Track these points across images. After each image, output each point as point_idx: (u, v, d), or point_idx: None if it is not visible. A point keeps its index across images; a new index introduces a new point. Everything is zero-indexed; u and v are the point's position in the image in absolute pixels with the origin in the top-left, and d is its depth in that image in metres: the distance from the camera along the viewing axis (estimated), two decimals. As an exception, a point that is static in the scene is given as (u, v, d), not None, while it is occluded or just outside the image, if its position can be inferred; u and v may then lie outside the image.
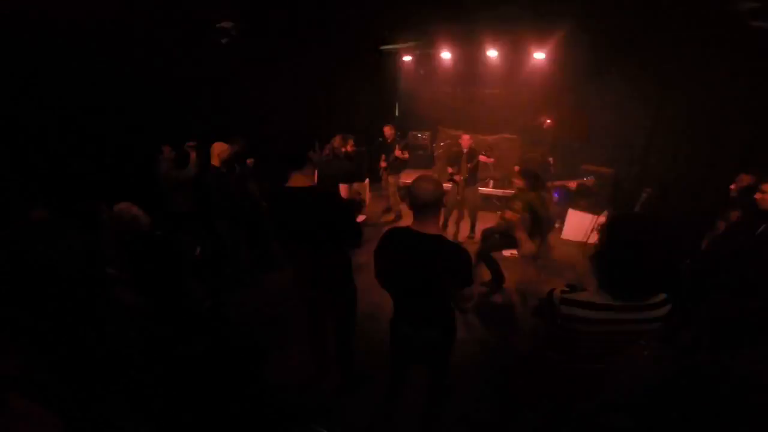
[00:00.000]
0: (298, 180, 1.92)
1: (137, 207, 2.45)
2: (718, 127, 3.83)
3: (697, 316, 2.63)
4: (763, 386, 1.60)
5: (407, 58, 6.93)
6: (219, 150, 3.28)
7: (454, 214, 4.99)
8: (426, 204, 1.61)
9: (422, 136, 6.81)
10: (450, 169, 4.86)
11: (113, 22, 3.37)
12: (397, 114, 7.31)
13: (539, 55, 5.81)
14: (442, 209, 1.89)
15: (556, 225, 5.14)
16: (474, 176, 4.76)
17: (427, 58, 6.89)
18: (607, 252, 1.38)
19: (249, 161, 4.13)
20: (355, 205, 3.92)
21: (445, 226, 5.08)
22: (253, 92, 5.03)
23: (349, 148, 4.17)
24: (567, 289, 1.46)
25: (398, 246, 1.69)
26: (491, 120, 6.14)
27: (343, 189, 3.85)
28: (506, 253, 4.78)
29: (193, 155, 3.54)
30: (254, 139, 4.44)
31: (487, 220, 5.52)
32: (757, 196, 2.40)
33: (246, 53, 4.71)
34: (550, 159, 4.37)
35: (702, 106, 3.93)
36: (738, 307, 2.43)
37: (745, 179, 2.92)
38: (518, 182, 4.75)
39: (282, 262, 3.65)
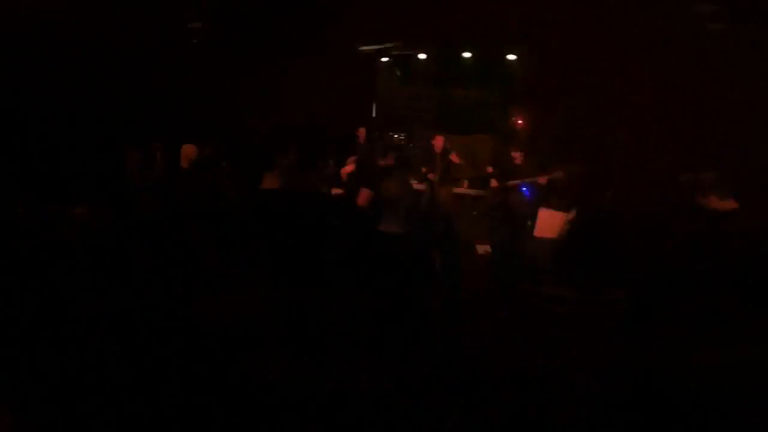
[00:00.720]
0: (271, 181, 1.93)
1: (93, 210, 2.37)
2: (677, 124, 4.01)
3: (655, 310, 2.74)
4: (709, 378, 1.68)
5: (385, 59, 6.97)
6: (188, 152, 3.21)
7: (430, 214, 5.04)
8: (391, 202, 1.64)
9: (399, 136, 6.86)
10: (424, 170, 4.92)
11: (81, 23, 3.28)
12: (374, 115, 7.34)
13: (511, 57, 5.97)
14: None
15: (528, 223, 5.26)
16: (447, 176, 4.83)
17: (404, 60, 6.95)
18: (568, 245, 1.45)
19: (226, 165, 4.05)
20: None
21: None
22: (226, 94, 4.96)
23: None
24: (533, 282, 1.52)
25: (362, 244, 1.71)
26: (465, 120, 6.25)
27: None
28: (480, 250, 4.88)
29: (159, 157, 3.46)
30: (227, 142, 4.37)
31: (460, 221, 5.60)
32: (699, 197, 2.53)
33: (218, 54, 4.64)
34: (516, 154, 4.48)
35: (660, 104, 4.10)
36: (690, 301, 2.55)
37: (685, 177, 3.06)
38: (494, 183, 4.87)
39: (257, 262, 3.61)
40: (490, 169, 4.83)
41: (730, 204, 2.39)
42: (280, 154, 2.00)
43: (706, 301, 2.48)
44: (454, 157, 4.68)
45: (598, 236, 1.38)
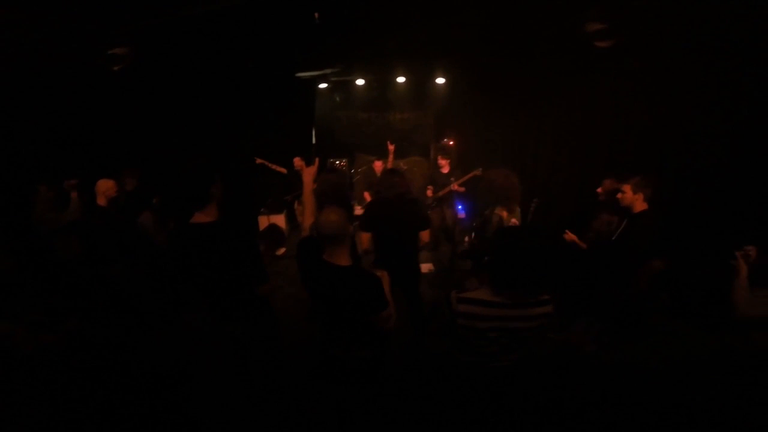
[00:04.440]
0: (200, 216, 1.89)
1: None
2: (583, 138, 4.49)
3: (581, 310, 2.99)
4: (637, 375, 1.84)
5: (323, 86, 7.06)
6: (104, 188, 2.99)
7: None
8: (332, 236, 1.66)
9: (340, 162, 6.93)
10: (367, 195, 5.02)
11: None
12: (314, 141, 7.34)
13: (440, 80, 6.34)
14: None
15: (466, 239, 5.53)
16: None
17: (342, 85, 7.06)
18: (493, 256, 1.60)
19: (155, 200, 3.81)
20: (267, 236, 3.81)
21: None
22: (152, 124, 4.70)
23: None
24: (462, 290, 1.64)
25: (313, 276, 1.73)
26: (402, 144, 6.51)
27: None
28: (424, 269, 5.01)
29: (74, 195, 3.18)
30: (153, 175, 4.13)
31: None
32: (618, 195, 2.83)
33: (142, 81, 4.41)
34: (443, 162, 4.73)
35: (570, 121, 4.58)
36: (612, 299, 2.83)
37: (608, 183, 3.43)
38: (429, 192, 5.05)
39: (192, 299, 3.40)
40: (429, 192, 5.04)
41: (643, 205, 2.73)
42: (214, 185, 1.97)
43: (624, 297, 2.77)
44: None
45: (523, 244, 1.53)
